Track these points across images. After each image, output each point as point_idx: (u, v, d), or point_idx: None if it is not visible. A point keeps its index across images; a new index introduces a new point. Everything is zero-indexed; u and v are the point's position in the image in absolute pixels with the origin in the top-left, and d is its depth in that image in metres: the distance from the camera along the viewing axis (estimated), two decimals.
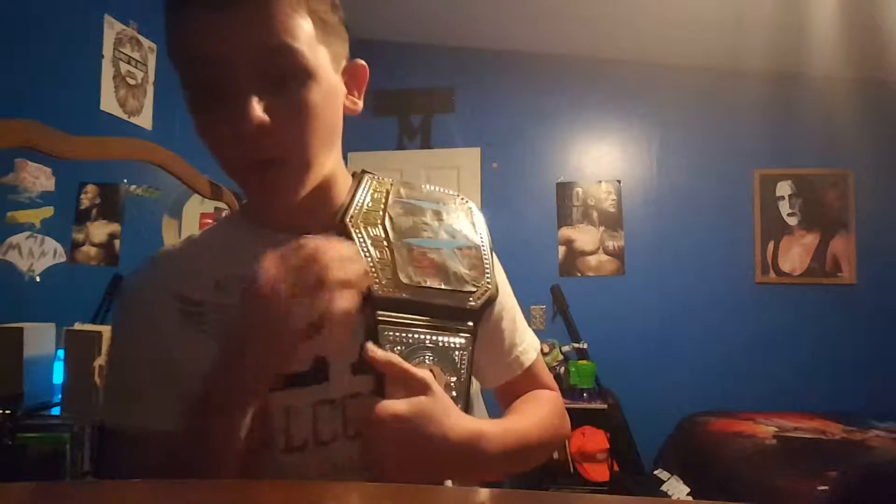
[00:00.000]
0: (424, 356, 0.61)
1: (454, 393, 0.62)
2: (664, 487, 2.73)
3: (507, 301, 0.74)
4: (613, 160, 3.61)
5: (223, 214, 2.38)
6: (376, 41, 3.68)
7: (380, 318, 0.61)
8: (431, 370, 0.61)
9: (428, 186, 0.74)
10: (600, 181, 3.59)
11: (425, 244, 0.66)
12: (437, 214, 0.70)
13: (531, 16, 3.17)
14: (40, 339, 1.37)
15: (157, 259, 0.68)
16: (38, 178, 1.50)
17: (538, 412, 0.71)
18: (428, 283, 0.64)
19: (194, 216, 2.29)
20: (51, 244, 1.56)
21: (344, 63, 0.65)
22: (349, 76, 0.66)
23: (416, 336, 0.62)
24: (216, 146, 0.59)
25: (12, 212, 1.46)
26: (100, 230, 1.74)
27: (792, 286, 3.42)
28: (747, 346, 3.37)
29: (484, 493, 0.46)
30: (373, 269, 0.62)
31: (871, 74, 3.24)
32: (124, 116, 1.87)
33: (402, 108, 3.70)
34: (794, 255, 3.44)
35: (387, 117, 3.68)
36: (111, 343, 0.66)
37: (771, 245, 3.46)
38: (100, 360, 1.31)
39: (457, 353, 0.63)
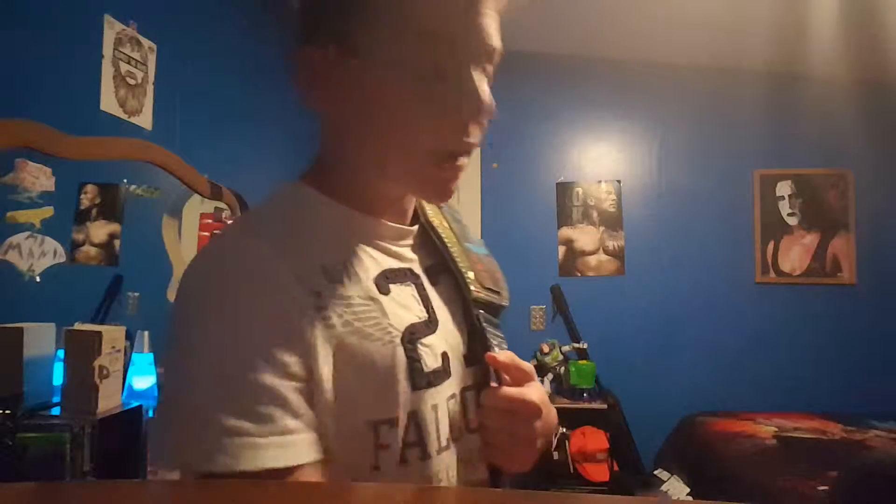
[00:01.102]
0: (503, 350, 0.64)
1: None
2: (664, 487, 2.73)
3: None
4: (613, 160, 3.61)
5: (222, 214, 2.38)
6: None
7: (480, 316, 0.64)
8: None
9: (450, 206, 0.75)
10: (600, 181, 3.59)
11: (476, 250, 0.70)
12: (460, 222, 0.72)
13: (531, 16, 3.16)
14: (40, 339, 1.37)
15: (255, 235, 0.51)
16: (38, 178, 1.50)
17: None
18: (490, 286, 0.68)
19: (194, 216, 2.29)
20: (51, 244, 1.56)
21: None
22: None
23: (500, 335, 0.65)
24: (413, 126, 0.52)
25: (12, 212, 1.46)
26: (100, 230, 1.74)
27: (792, 286, 3.42)
28: (747, 346, 3.38)
29: (484, 493, 0.46)
30: (464, 271, 0.65)
31: (871, 75, 3.23)
32: (124, 116, 1.87)
33: None
34: (794, 255, 3.44)
35: None
36: (194, 356, 0.47)
37: (771, 245, 3.46)
38: (100, 360, 1.31)
39: (505, 345, 0.66)
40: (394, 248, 0.60)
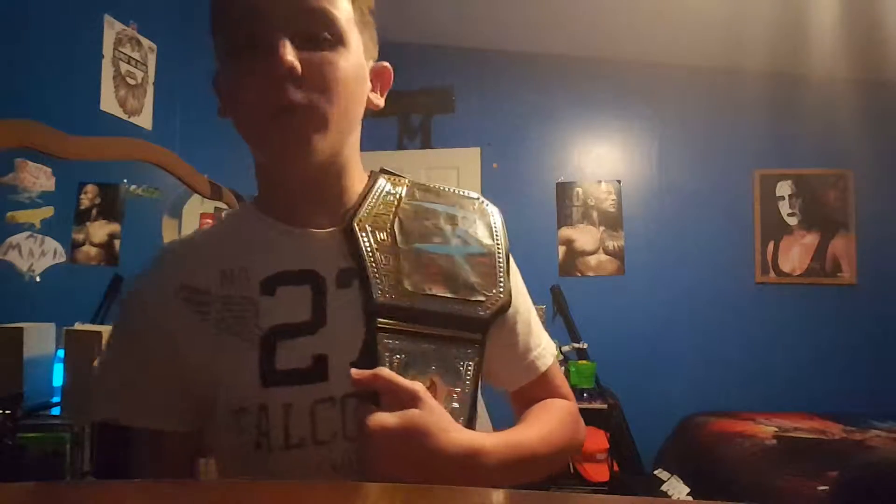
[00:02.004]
0: (427, 366, 0.60)
1: (456, 404, 0.61)
2: (664, 487, 2.73)
3: (522, 304, 0.72)
4: (613, 160, 3.61)
5: (222, 214, 2.38)
6: None
7: (380, 325, 0.59)
8: (432, 380, 0.60)
9: (446, 188, 0.72)
10: (600, 181, 3.59)
11: (435, 250, 0.65)
12: (452, 219, 0.68)
13: (531, 16, 3.17)
14: (40, 339, 1.37)
15: (162, 255, 0.68)
16: (38, 178, 1.50)
17: (549, 422, 0.69)
18: (433, 292, 0.62)
19: (194, 216, 2.29)
20: (51, 244, 1.56)
21: (372, 63, 0.68)
22: (375, 75, 0.69)
23: (417, 345, 0.60)
24: (242, 94, 0.59)
25: (12, 212, 1.46)
26: (100, 230, 1.74)
27: (792, 286, 3.42)
28: (747, 346, 3.37)
29: (483, 493, 0.46)
30: (376, 275, 0.61)
31: (871, 75, 3.24)
32: (124, 116, 1.87)
33: (402, 108, 3.70)
34: (794, 255, 3.44)
35: (387, 117, 3.68)
36: (111, 341, 0.65)
37: (771, 245, 3.46)
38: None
39: (462, 363, 0.62)
40: (296, 252, 0.64)
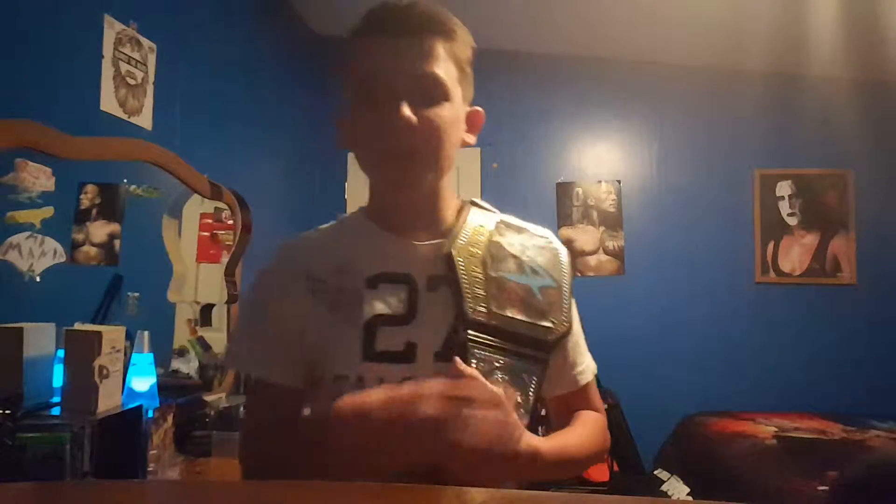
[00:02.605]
0: (499, 375, 0.71)
1: (521, 410, 0.71)
2: (664, 487, 2.73)
3: (575, 327, 0.83)
4: (613, 160, 3.61)
5: (222, 214, 2.38)
6: None
7: (469, 337, 0.72)
8: (504, 388, 0.69)
9: (525, 226, 0.85)
10: (600, 181, 3.59)
11: (515, 279, 0.77)
12: (528, 252, 0.81)
13: (531, 16, 3.17)
14: (40, 339, 1.37)
15: (288, 247, 0.84)
16: (38, 178, 1.50)
17: (585, 432, 0.81)
18: (511, 314, 0.75)
19: (194, 216, 2.29)
20: (51, 244, 1.56)
21: (468, 108, 0.83)
22: (469, 118, 0.84)
23: (495, 356, 0.72)
24: (368, 139, 0.76)
25: (12, 212, 1.46)
26: (100, 230, 1.74)
27: (792, 286, 3.42)
28: (747, 346, 3.38)
29: (483, 493, 0.46)
30: (468, 295, 0.74)
31: (871, 75, 3.24)
32: (124, 116, 1.87)
33: None
34: (794, 255, 3.44)
35: None
36: (246, 312, 0.83)
37: (771, 245, 3.46)
38: (100, 360, 1.31)
39: (526, 375, 0.73)
40: (397, 257, 0.79)
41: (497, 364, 0.72)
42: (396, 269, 0.77)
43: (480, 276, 0.76)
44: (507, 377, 0.71)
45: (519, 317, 0.75)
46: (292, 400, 0.76)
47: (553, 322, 0.77)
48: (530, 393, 0.73)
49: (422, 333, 0.74)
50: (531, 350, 0.74)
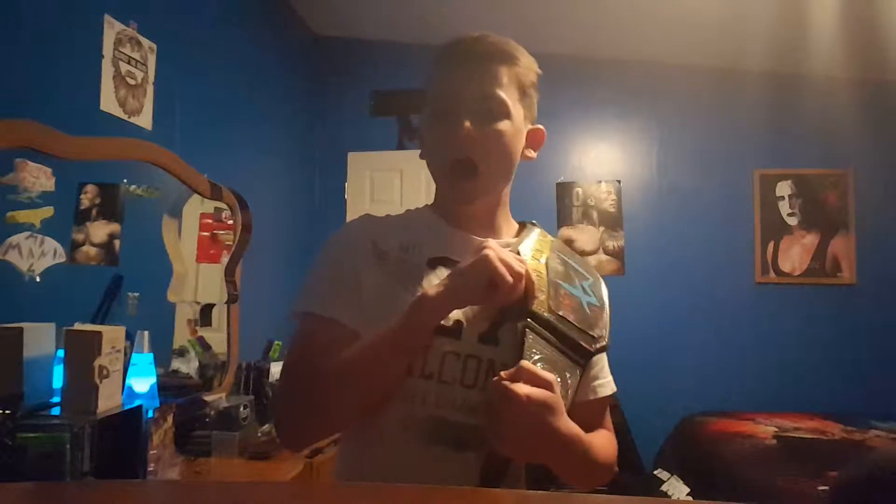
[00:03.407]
0: (544, 365, 0.75)
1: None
2: (664, 487, 2.73)
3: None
4: (613, 160, 3.61)
5: (222, 214, 2.38)
6: (376, 41, 3.68)
7: (528, 325, 0.77)
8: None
9: (574, 255, 0.94)
10: (600, 181, 3.59)
11: (570, 289, 0.85)
12: (579, 273, 0.89)
13: (531, 16, 3.17)
14: (40, 339, 1.37)
15: (357, 221, 0.94)
16: (38, 178, 1.50)
17: (604, 443, 0.89)
18: (566, 315, 0.81)
19: (194, 216, 2.29)
20: (51, 244, 1.56)
21: (529, 125, 0.91)
22: (531, 135, 0.92)
23: (546, 350, 0.77)
24: (436, 148, 0.87)
25: (12, 212, 1.46)
26: (100, 230, 1.74)
27: (792, 286, 3.42)
28: (747, 346, 3.37)
29: (484, 493, 0.46)
30: (538, 290, 0.80)
31: (871, 74, 3.24)
32: (124, 116, 1.87)
33: (402, 108, 3.69)
34: (794, 255, 3.44)
35: (387, 117, 3.68)
36: (321, 261, 0.89)
37: (771, 245, 3.46)
38: (100, 360, 1.31)
39: (568, 374, 0.79)
40: (458, 247, 0.86)
41: (545, 354, 0.77)
42: (454, 256, 0.85)
43: (543, 275, 0.82)
44: (552, 371, 0.74)
45: (572, 321, 0.81)
46: (350, 339, 0.80)
47: (597, 334, 0.84)
48: (568, 390, 0.79)
49: (469, 315, 0.80)
50: (575, 354, 0.80)
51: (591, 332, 0.83)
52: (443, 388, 0.77)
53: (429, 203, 0.98)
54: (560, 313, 0.80)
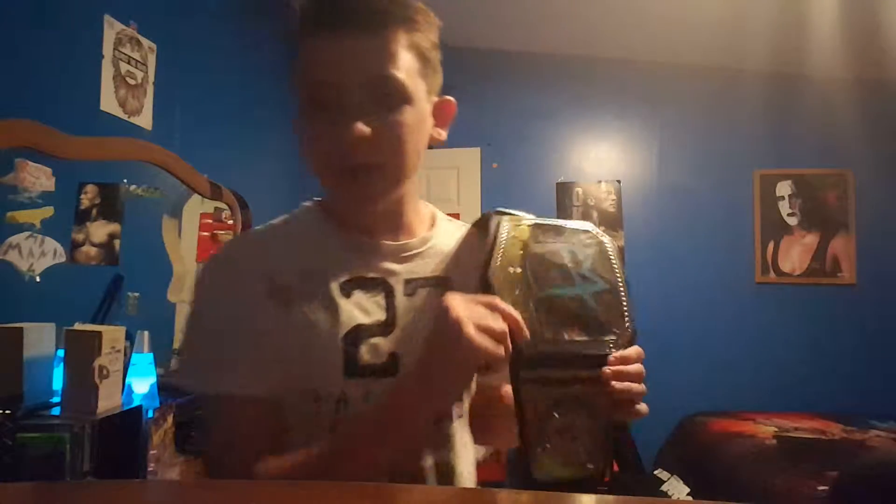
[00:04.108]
0: (567, 407, 0.62)
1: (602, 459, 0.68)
2: (664, 487, 2.73)
3: None
4: (613, 160, 3.61)
5: (222, 214, 2.38)
6: None
7: (522, 376, 0.61)
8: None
9: (563, 224, 0.72)
10: (600, 181, 3.59)
11: (565, 292, 0.66)
12: (574, 256, 0.68)
13: (531, 16, 3.17)
14: (40, 339, 1.37)
15: (242, 241, 0.79)
16: (38, 178, 1.50)
17: None
18: (569, 337, 0.64)
19: (194, 216, 2.29)
20: (51, 244, 1.56)
21: (435, 98, 0.73)
22: (438, 110, 0.74)
23: (555, 390, 0.62)
24: (320, 152, 0.67)
25: (12, 212, 1.46)
26: (100, 230, 1.74)
27: (792, 286, 3.42)
28: (747, 346, 3.37)
29: (484, 493, 0.46)
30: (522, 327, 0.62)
31: (871, 74, 3.23)
32: (124, 116, 1.87)
33: None
34: (794, 255, 3.44)
35: None
36: (193, 314, 0.70)
37: (771, 245, 3.46)
38: (100, 360, 1.31)
39: (594, 395, 0.64)
40: (370, 261, 0.72)
41: (563, 407, 0.62)
42: (371, 274, 0.71)
43: (527, 302, 0.64)
44: (577, 406, 0.63)
45: (579, 337, 0.64)
46: (271, 413, 0.66)
47: (616, 332, 0.67)
48: (599, 423, 0.65)
49: (404, 342, 0.67)
50: (591, 371, 0.63)
51: (605, 337, 0.65)
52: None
53: (317, 200, 0.78)
54: (563, 337, 0.63)
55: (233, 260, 0.72)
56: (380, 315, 0.69)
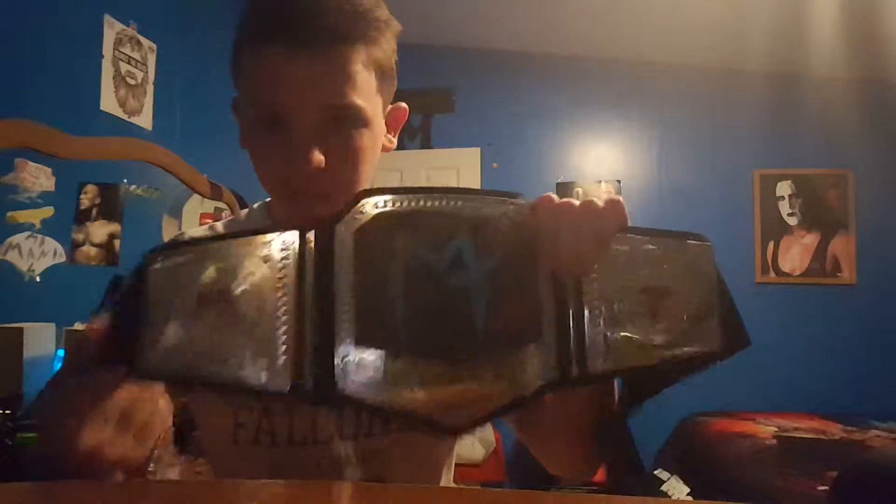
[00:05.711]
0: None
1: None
2: (664, 487, 2.73)
3: None
4: (613, 160, 3.61)
5: (222, 214, 2.38)
6: None
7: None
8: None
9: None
10: (600, 181, 3.59)
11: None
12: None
13: (531, 16, 3.17)
14: (40, 339, 1.37)
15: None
16: (38, 178, 1.50)
17: None
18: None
19: (194, 216, 2.29)
20: (51, 244, 1.56)
21: (389, 107, 0.69)
22: (391, 118, 0.70)
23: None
24: (271, 176, 0.63)
25: (12, 212, 1.47)
26: (100, 230, 1.74)
27: (792, 286, 3.42)
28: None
29: (484, 493, 0.46)
30: None
31: (871, 74, 3.23)
32: (124, 116, 1.87)
33: None
34: (794, 255, 3.44)
35: None
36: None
37: (771, 245, 3.46)
38: None
39: None
40: None
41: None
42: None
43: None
44: None
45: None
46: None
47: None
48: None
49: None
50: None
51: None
52: (320, 450, 0.65)
53: (264, 201, 0.75)
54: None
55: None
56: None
